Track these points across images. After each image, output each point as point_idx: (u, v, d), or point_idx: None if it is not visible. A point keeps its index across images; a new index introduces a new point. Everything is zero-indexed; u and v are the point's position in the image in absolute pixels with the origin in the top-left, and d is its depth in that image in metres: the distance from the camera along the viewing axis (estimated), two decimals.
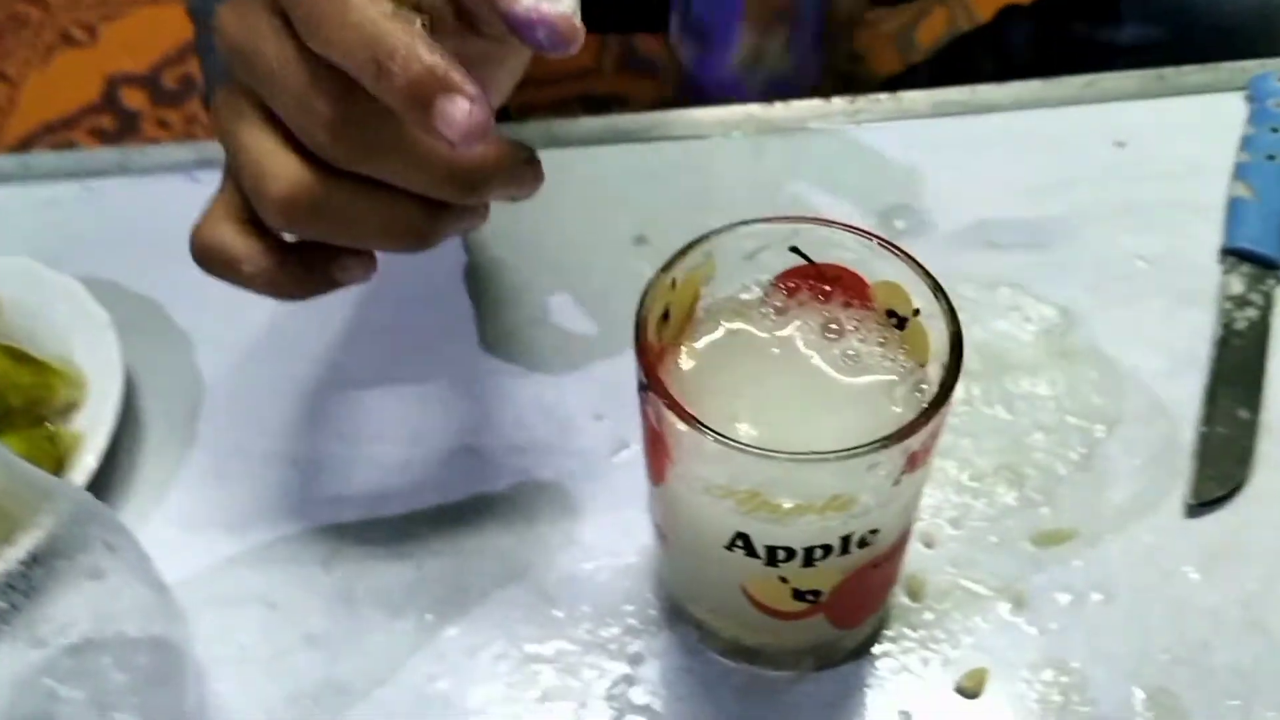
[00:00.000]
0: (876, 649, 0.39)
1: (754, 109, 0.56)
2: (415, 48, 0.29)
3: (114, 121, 1.45)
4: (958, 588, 0.41)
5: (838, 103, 0.57)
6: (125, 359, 0.45)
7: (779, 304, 0.36)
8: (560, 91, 1.06)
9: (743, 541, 0.33)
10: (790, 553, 0.33)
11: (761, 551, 0.33)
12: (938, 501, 0.42)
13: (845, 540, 0.33)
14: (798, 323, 0.36)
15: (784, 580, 0.34)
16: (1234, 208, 0.50)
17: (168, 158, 0.57)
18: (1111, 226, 0.50)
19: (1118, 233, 0.50)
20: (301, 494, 0.44)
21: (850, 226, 0.34)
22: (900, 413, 0.33)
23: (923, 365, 0.34)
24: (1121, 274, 0.49)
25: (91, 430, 0.44)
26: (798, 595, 0.35)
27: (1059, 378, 0.45)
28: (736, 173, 0.54)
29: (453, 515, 0.43)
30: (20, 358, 0.46)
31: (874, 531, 0.33)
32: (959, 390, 0.32)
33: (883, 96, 0.57)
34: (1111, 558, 0.41)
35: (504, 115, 0.36)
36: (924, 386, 0.34)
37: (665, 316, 0.34)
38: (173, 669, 0.38)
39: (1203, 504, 0.42)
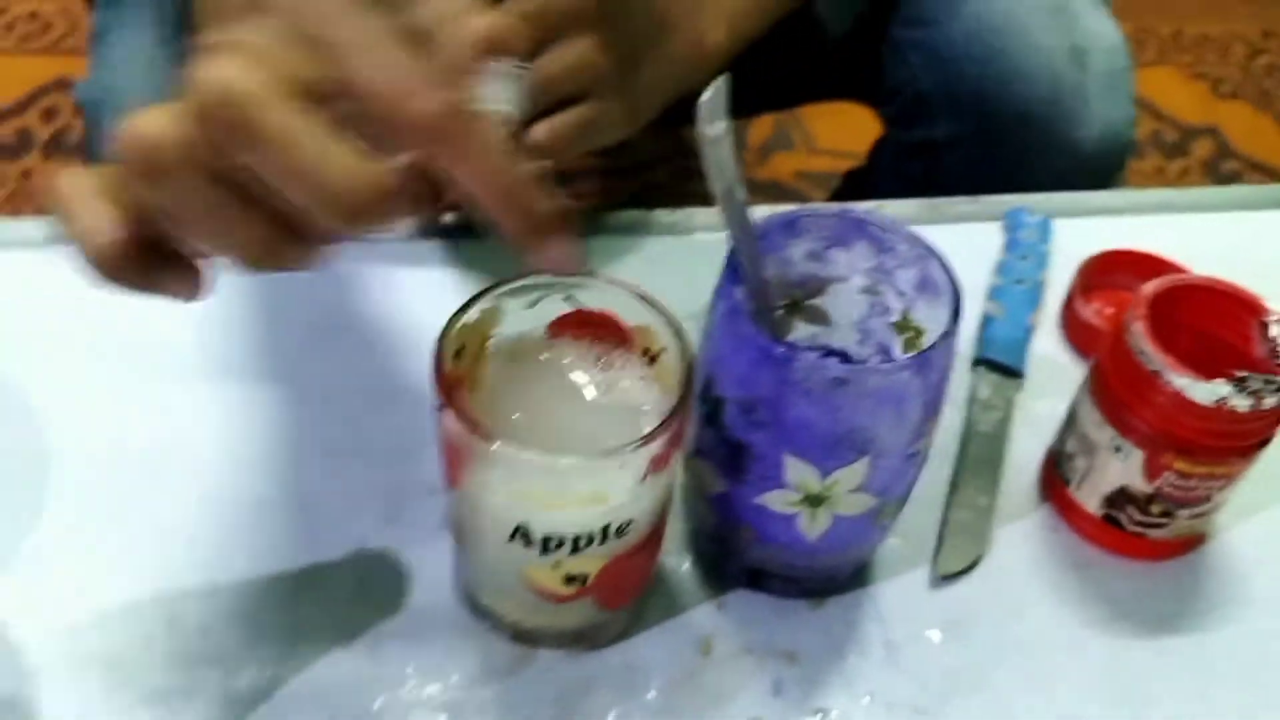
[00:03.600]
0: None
1: None
2: None
3: None
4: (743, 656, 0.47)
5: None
6: None
7: (556, 342, 0.43)
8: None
9: (521, 533, 0.39)
10: (560, 541, 0.39)
11: (537, 541, 0.39)
12: None
13: (605, 530, 0.39)
14: (570, 358, 0.43)
15: (556, 566, 0.40)
16: (986, 323, 0.58)
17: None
18: None
19: None
20: (147, 557, 0.47)
21: (613, 279, 0.41)
22: (648, 428, 0.39)
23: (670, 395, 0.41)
24: None
25: None
26: (569, 580, 0.41)
27: None
28: None
29: (289, 580, 0.47)
30: None
31: (629, 522, 0.40)
32: None
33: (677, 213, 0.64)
34: (866, 619, 0.48)
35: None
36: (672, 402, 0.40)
37: (459, 352, 0.41)
38: None
39: (946, 576, 0.49)
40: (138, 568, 0.47)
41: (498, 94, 0.32)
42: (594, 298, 0.42)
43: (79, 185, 0.32)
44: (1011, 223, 0.64)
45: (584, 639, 0.46)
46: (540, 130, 0.48)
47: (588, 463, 0.37)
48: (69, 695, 0.43)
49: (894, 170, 0.82)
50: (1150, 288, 0.47)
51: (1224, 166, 1.63)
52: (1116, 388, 0.47)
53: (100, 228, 0.31)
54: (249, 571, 0.47)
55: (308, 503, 0.50)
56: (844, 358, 0.48)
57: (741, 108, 0.39)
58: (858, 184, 0.91)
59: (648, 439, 0.37)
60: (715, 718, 0.45)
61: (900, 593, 0.49)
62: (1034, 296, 0.60)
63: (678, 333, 0.40)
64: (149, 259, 0.32)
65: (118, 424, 0.52)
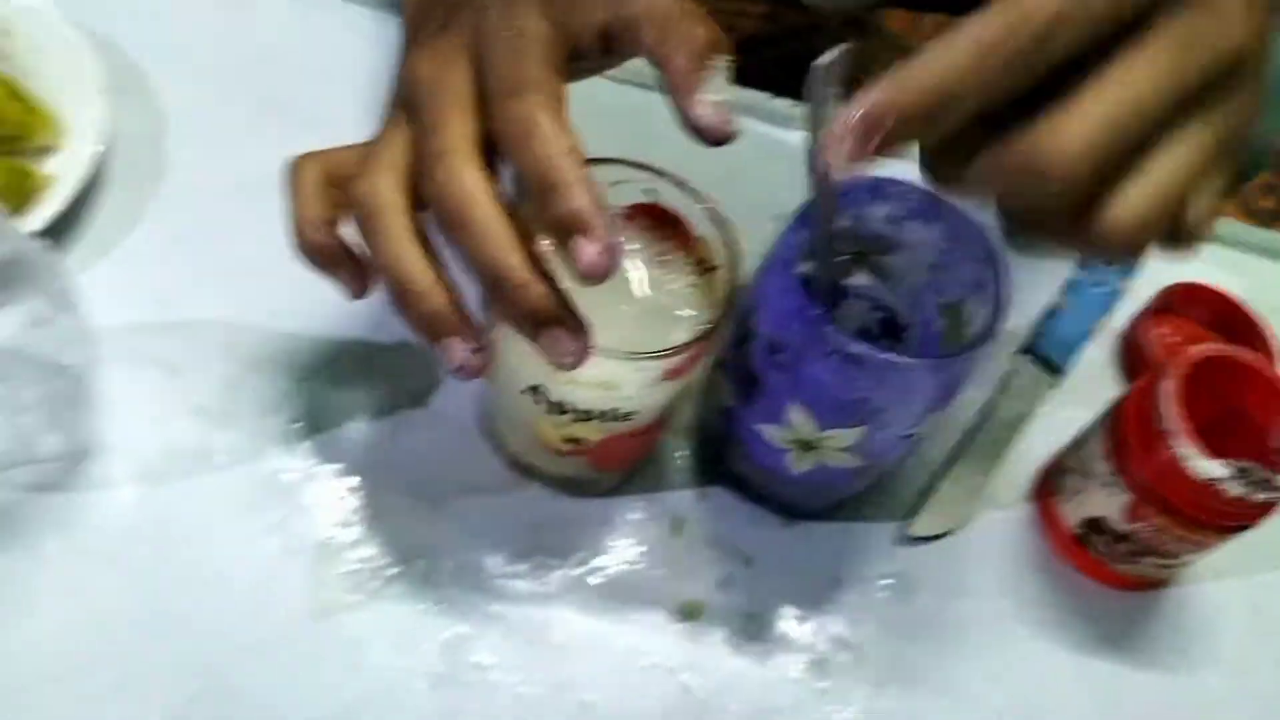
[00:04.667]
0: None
1: None
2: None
3: None
4: (706, 546, 0.51)
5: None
6: (109, 123, 0.52)
7: (627, 227, 0.45)
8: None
9: (535, 390, 0.43)
10: (566, 409, 0.43)
11: (546, 402, 0.43)
12: None
13: (610, 411, 0.43)
14: (637, 246, 0.45)
15: (559, 426, 0.45)
16: (1048, 314, 0.59)
17: None
18: None
19: None
20: (232, 286, 0.52)
21: (695, 189, 0.43)
22: (678, 336, 0.42)
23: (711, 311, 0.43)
24: None
25: (62, 176, 0.51)
26: (568, 440, 0.45)
27: None
28: None
29: (337, 345, 0.52)
30: (14, 92, 0.53)
31: (634, 412, 0.43)
32: None
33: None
34: (826, 550, 0.52)
35: None
36: (704, 324, 0.42)
37: None
38: (78, 396, 0.47)
39: (914, 538, 0.52)
40: (212, 291, 0.52)
41: (720, 87, 0.36)
42: (672, 198, 0.44)
43: (309, 176, 0.38)
44: None
45: (573, 486, 0.50)
46: None
47: (605, 360, 0.40)
48: (123, 390, 0.49)
49: None
50: (1197, 351, 0.48)
51: None
52: (1128, 431, 0.48)
53: (312, 223, 0.37)
54: (307, 326, 0.52)
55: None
56: (891, 315, 0.50)
57: None
58: None
59: (665, 354, 0.40)
60: (663, 589, 0.49)
61: (866, 537, 0.52)
62: (1106, 303, 0.60)
63: (733, 260, 0.42)
64: (343, 256, 0.38)
65: (239, 154, 0.54)
